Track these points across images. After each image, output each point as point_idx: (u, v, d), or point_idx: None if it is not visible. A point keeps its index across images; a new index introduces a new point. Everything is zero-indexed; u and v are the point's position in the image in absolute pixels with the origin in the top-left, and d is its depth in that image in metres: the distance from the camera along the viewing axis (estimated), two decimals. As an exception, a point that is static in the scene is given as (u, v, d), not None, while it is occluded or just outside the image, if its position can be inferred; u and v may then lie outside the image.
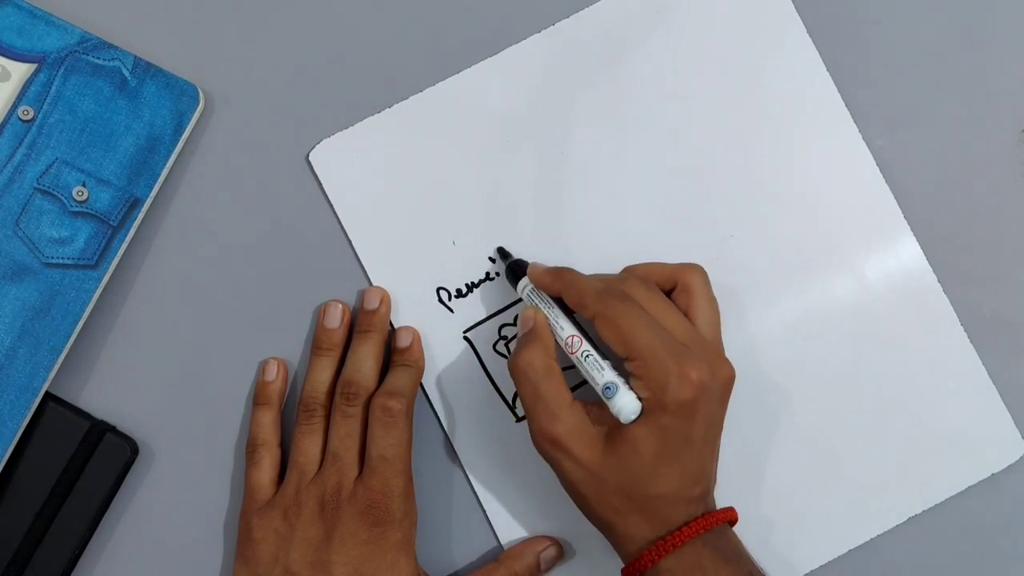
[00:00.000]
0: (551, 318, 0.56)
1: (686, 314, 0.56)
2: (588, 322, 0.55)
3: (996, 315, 0.61)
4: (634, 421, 0.53)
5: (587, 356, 0.55)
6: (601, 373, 0.54)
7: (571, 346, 0.55)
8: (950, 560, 0.61)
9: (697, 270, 0.57)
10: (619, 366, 0.54)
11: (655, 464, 0.53)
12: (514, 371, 0.55)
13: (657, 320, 0.54)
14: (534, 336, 0.56)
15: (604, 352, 0.55)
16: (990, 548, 0.61)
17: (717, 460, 0.56)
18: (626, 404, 0.53)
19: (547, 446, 0.54)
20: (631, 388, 0.53)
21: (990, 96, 0.62)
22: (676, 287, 0.57)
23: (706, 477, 0.55)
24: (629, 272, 0.58)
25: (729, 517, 0.55)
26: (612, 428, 0.54)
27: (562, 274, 0.57)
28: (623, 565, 0.55)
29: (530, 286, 0.58)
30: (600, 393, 0.54)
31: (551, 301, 0.57)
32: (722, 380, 0.54)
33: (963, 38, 0.62)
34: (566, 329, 0.55)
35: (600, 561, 0.60)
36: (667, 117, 0.61)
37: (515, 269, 0.59)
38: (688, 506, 0.54)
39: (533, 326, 0.56)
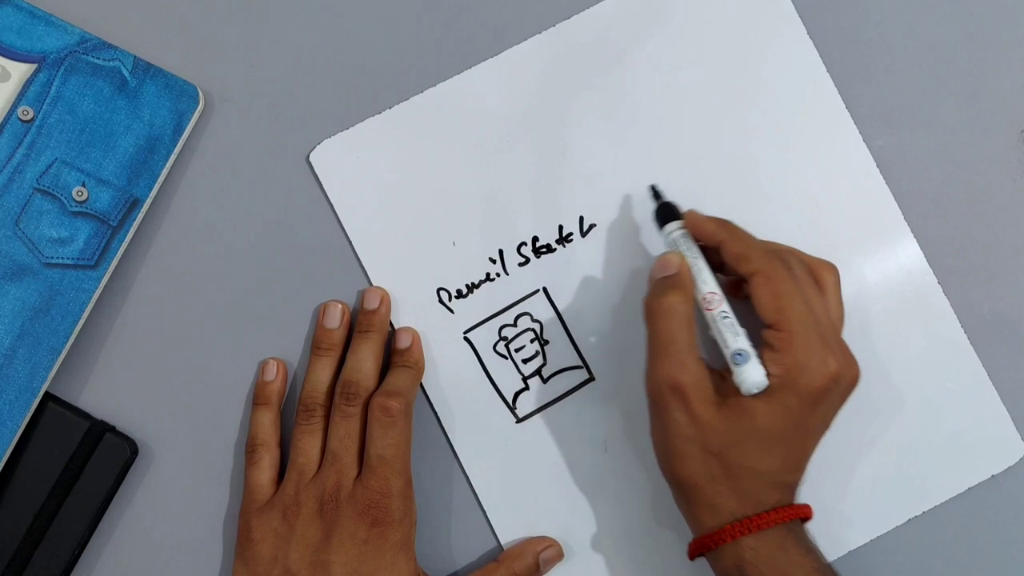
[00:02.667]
0: (695, 269, 0.55)
1: None
2: (729, 284, 0.55)
3: (996, 315, 0.61)
4: (754, 396, 0.52)
5: (725, 317, 0.54)
6: (736, 338, 0.53)
7: (709, 302, 0.54)
8: (950, 560, 0.61)
9: (833, 269, 0.57)
10: (754, 335, 0.53)
11: (764, 441, 0.52)
12: (654, 311, 0.54)
13: (811, 302, 0.53)
14: (679, 281, 0.54)
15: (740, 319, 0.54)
16: (990, 548, 0.61)
17: (813, 454, 0.55)
18: (753, 376, 0.52)
19: (668, 392, 0.53)
20: (761, 362, 0.52)
21: (990, 96, 0.62)
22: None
23: (801, 468, 0.55)
24: (785, 248, 0.57)
25: (807, 513, 0.55)
26: (733, 393, 0.53)
27: (726, 224, 0.56)
28: (692, 538, 0.54)
29: (679, 232, 0.56)
30: (729, 358, 0.53)
31: (698, 253, 0.55)
32: (850, 378, 0.54)
33: (963, 38, 0.62)
34: (708, 284, 0.54)
35: (600, 561, 0.60)
36: (666, 118, 0.61)
37: (665, 212, 0.57)
38: (781, 491, 0.54)
39: (679, 271, 0.55)
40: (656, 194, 0.59)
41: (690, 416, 0.53)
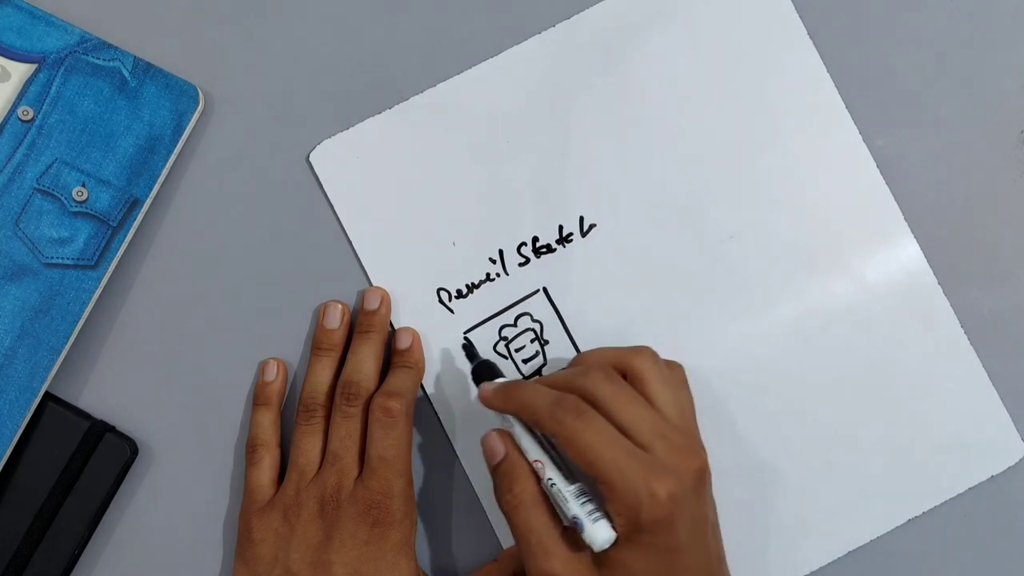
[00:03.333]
0: (516, 437, 0.54)
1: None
2: None
3: (996, 315, 0.61)
4: (612, 547, 0.51)
5: (552, 485, 0.53)
6: (567, 504, 0.52)
7: (537, 471, 0.53)
8: (950, 561, 0.61)
9: (643, 353, 0.54)
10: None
11: None
12: (502, 508, 0.53)
13: (620, 421, 0.52)
14: (511, 467, 0.53)
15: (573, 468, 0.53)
16: (990, 548, 0.61)
17: (719, 543, 0.54)
18: (598, 538, 0.51)
19: None
20: (602, 514, 0.51)
21: (990, 96, 0.62)
22: (627, 374, 0.54)
23: (707, 569, 0.53)
24: (585, 362, 0.55)
25: None
26: (602, 552, 0.52)
27: (511, 394, 0.54)
28: None
29: None
30: (573, 524, 0.52)
31: (513, 420, 0.55)
32: (693, 478, 0.52)
33: (963, 38, 0.62)
34: (531, 452, 0.53)
35: (600, 561, 0.60)
36: (667, 118, 0.61)
37: (479, 374, 0.57)
38: None
39: (506, 458, 0.54)
40: (471, 354, 0.59)
41: None
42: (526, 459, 0.54)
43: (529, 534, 0.52)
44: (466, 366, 0.60)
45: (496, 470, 0.54)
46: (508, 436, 0.54)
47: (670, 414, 0.53)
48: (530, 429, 0.54)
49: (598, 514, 0.51)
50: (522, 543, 0.53)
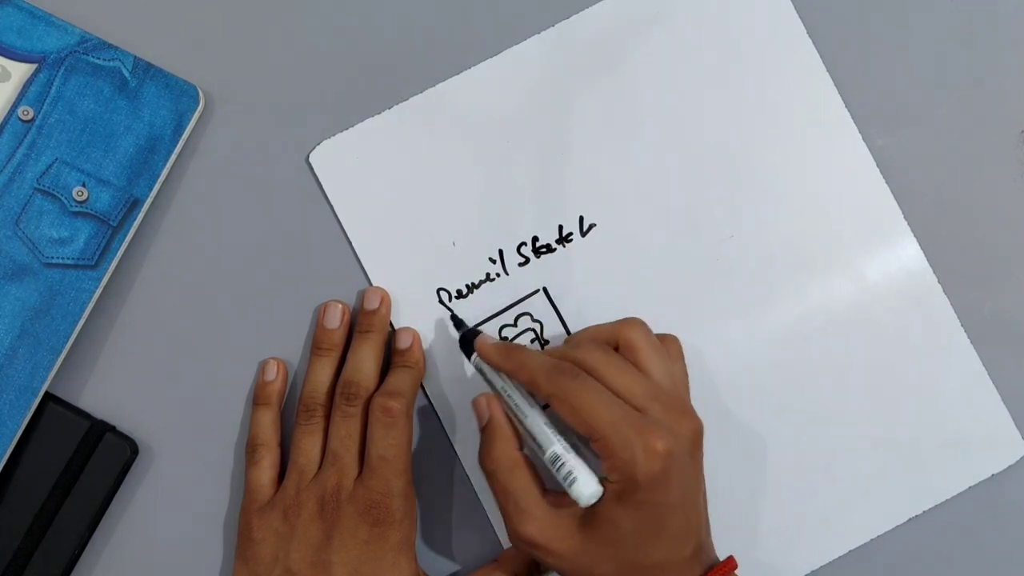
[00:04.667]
0: (510, 402, 0.55)
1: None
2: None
3: (996, 315, 0.61)
4: (598, 503, 0.52)
5: (540, 440, 0.53)
6: (556, 460, 0.52)
7: (527, 426, 0.54)
8: (950, 560, 0.61)
9: (635, 324, 0.55)
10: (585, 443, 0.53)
11: (639, 539, 0.52)
12: (484, 471, 0.54)
13: (614, 387, 0.52)
14: (492, 430, 0.54)
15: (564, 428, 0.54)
16: (990, 548, 0.61)
17: (705, 509, 0.55)
18: (585, 491, 0.51)
19: (524, 546, 0.53)
20: (592, 471, 0.52)
21: (990, 96, 0.62)
22: (619, 346, 0.55)
23: (695, 534, 0.53)
24: (575, 338, 0.57)
25: (728, 569, 0.54)
26: (589, 511, 0.53)
27: (511, 354, 0.55)
28: None
29: (481, 362, 0.57)
30: (561, 480, 0.52)
31: (504, 377, 0.56)
32: (688, 437, 0.53)
33: (963, 38, 0.62)
34: (522, 408, 0.54)
35: (600, 561, 0.60)
36: (666, 118, 0.61)
37: (468, 340, 0.58)
38: (682, 569, 0.53)
39: (489, 419, 0.55)
40: (457, 323, 0.59)
41: (558, 558, 0.53)
42: (512, 423, 0.55)
43: (507, 497, 0.53)
44: (467, 366, 0.60)
45: (481, 432, 0.55)
46: (495, 400, 0.55)
47: (662, 382, 0.54)
48: (523, 392, 0.55)
49: (586, 469, 0.52)
50: (501, 506, 0.54)
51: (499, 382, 0.56)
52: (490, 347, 0.56)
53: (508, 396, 0.55)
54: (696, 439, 0.53)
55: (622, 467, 0.51)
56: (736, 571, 0.54)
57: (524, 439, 0.55)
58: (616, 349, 0.55)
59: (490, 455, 0.54)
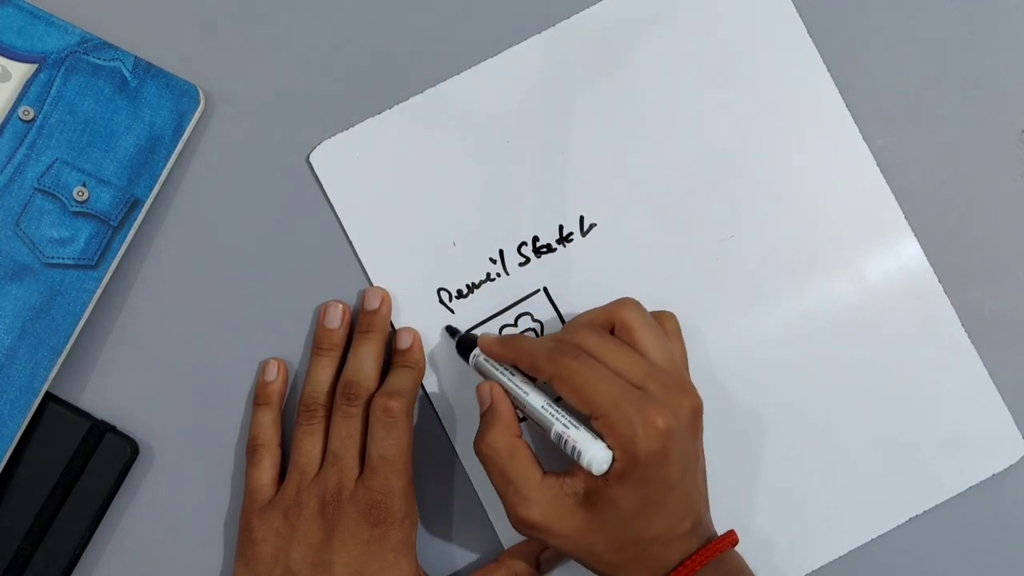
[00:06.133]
0: (512, 387, 0.55)
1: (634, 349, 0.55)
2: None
3: (996, 315, 0.61)
4: (607, 473, 0.52)
5: (547, 413, 0.54)
6: (564, 432, 0.53)
7: (523, 405, 0.55)
8: (950, 560, 0.61)
9: (629, 304, 0.55)
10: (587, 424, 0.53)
11: (639, 515, 0.52)
12: (478, 455, 0.55)
13: (613, 367, 0.53)
14: (493, 414, 0.55)
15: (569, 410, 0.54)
16: (990, 548, 0.61)
17: (705, 485, 0.55)
18: (596, 457, 0.52)
19: (526, 531, 0.54)
20: (597, 436, 0.52)
21: (990, 96, 0.62)
22: (615, 327, 0.55)
23: (694, 509, 0.54)
24: (571, 324, 0.57)
25: (728, 543, 0.54)
26: (589, 490, 0.53)
27: (512, 342, 0.56)
28: None
29: (480, 358, 0.57)
30: (570, 454, 0.53)
31: (509, 369, 0.56)
32: (688, 414, 0.53)
33: (963, 38, 0.62)
34: (530, 394, 0.55)
35: (600, 561, 0.60)
36: (667, 118, 0.61)
37: (465, 344, 0.58)
38: (682, 543, 0.53)
39: (492, 402, 0.55)
40: (452, 333, 0.60)
41: (561, 539, 0.53)
42: (513, 409, 0.55)
43: (507, 483, 0.53)
44: (466, 367, 0.59)
45: (481, 418, 0.55)
46: (498, 387, 0.55)
47: (659, 360, 0.54)
48: (525, 377, 0.56)
49: (593, 438, 0.52)
50: (500, 492, 0.54)
51: (500, 376, 0.56)
52: (491, 341, 0.57)
53: (510, 380, 0.56)
54: (695, 415, 0.54)
55: (623, 444, 0.51)
56: (736, 544, 0.55)
57: (529, 419, 0.55)
58: (612, 331, 0.55)
59: (487, 439, 0.54)
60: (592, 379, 0.52)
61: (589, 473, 0.52)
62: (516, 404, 0.56)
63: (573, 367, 0.53)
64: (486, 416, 0.55)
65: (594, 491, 0.53)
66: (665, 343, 0.55)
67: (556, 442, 0.53)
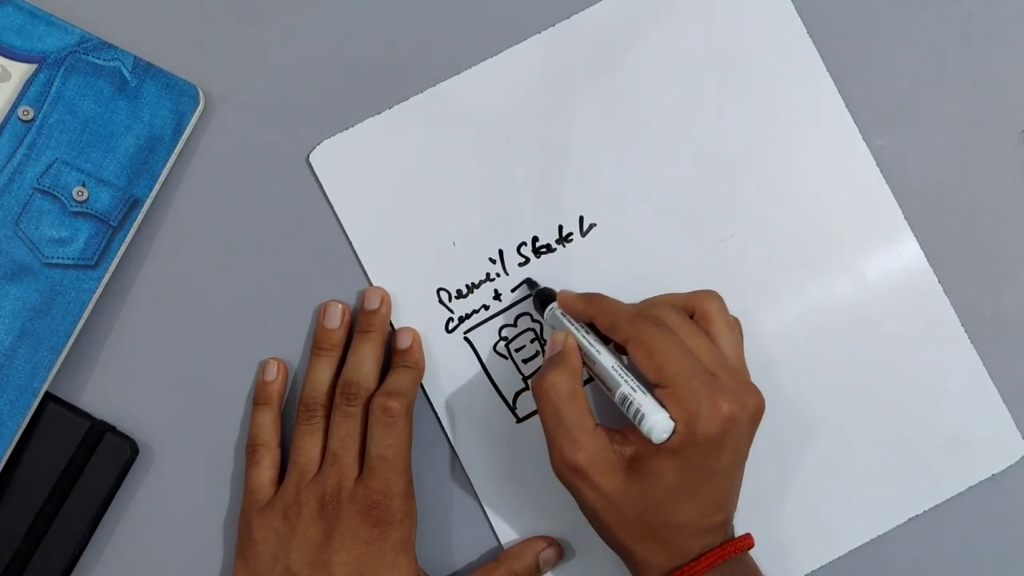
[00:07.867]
0: (585, 343, 0.55)
1: None
2: (621, 348, 0.55)
3: (996, 315, 0.61)
4: (665, 443, 0.52)
5: (613, 368, 0.54)
6: (631, 393, 0.53)
7: (592, 361, 0.55)
8: (950, 560, 0.61)
9: (713, 296, 0.56)
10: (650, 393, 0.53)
11: (676, 495, 0.52)
12: (537, 392, 0.54)
13: (689, 346, 0.53)
14: (561, 358, 0.55)
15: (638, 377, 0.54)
16: (990, 548, 0.61)
17: (740, 486, 0.55)
18: (659, 424, 0.51)
19: (567, 473, 0.53)
20: (662, 405, 0.52)
21: (990, 96, 0.62)
22: (694, 315, 0.56)
23: (727, 505, 0.54)
24: (652, 300, 0.57)
25: (745, 546, 0.55)
26: (636, 456, 0.53)
27: (593, 299, 0.56)
28: None
29: (558, 311, 0.57)
30: (631, 417, 0.53)
31: (583, 327, 0.56)
32: (751, 411, 0.54)
33: (963, 38, 0.62)
34: (602, 352, 0.55)
35: (599, 562, 0.60)
36: (667, 118, 0.61)
37: (543, 297, 0.59)
38: (706, 535, 0.54)
39: (563, 348, 0.55)
40: (531, 285, 0.60)
41: (596, 492, 0.53)
42: (588, 360, 0.55)
43: (559, 423, 0.53)
44: (466, 366, 0.60)
45: (546, 361, 0.55)
46: (571, 338, 0.55)
47: (731, 356, 0.55)
48: (598, 337, 0.55)
49: (658, 406, 0.52)
50: (550, 431, 0.54)
51: (575, 331, 0.56)
52: (572, 296, 0.57)
53: (584, 337, 0.55)
54: (757, 414, 0.54)
55: (685, 418, 0.51)
56: (750, 549, 0.55)
57: (595, 378, 0.55)
58: (691, 317, 0.56)
59: (550, 378, 0.54)
60: (669, 350, 0.52)
61: (643, 439, 0.52)
62: (585, 361, 0.55)
63: (653, 332, 0.53)
64: (554, 359, 0.55)
65: (641, 458, 0.53)
66: (739, 342, 0.56)
67: (620, 404, 0.53)
